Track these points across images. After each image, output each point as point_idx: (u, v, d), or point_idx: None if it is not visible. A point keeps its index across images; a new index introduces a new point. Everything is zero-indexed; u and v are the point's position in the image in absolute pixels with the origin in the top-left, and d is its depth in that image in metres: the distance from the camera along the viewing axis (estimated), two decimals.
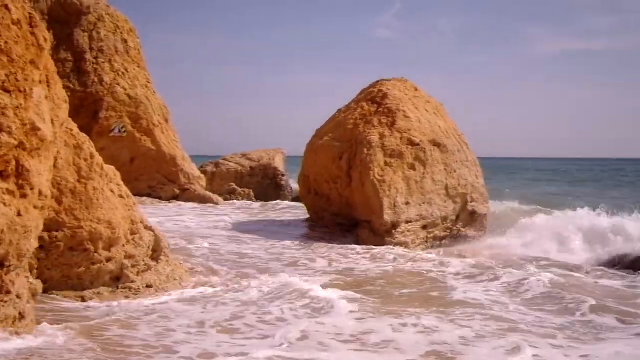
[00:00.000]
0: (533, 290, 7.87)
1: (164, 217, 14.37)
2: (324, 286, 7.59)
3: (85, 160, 6.62)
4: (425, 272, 9.04)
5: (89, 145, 6.73)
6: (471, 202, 13.13)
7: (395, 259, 10.13)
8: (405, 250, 11.07)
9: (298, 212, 16.51)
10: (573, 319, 6.57)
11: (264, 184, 23.32)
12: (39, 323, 5.11)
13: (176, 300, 6.62)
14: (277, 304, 6.68)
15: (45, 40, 4.98)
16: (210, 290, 7.23)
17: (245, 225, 13.94)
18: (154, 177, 19.16)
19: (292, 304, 6.70)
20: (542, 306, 7.15)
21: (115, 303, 6.29)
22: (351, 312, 6.48)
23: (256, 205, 19.91)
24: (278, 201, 21.08)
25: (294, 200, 20.92)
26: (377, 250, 10.77)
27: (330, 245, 11.33)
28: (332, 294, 7.16)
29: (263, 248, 10.78)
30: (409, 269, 9.33)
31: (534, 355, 5.19)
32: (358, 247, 11.08)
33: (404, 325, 6.03)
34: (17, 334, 4.72)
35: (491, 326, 6.12)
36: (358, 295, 7.26)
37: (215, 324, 5.82)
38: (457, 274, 8.98)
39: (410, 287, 8.06)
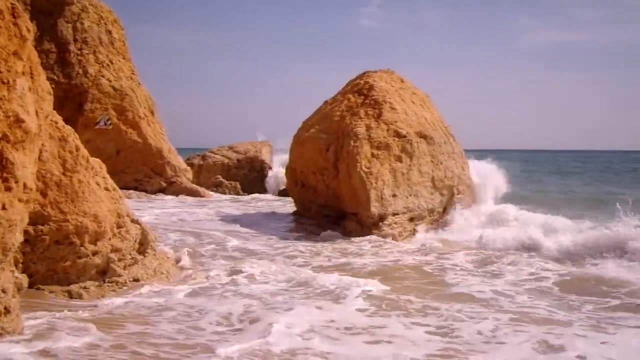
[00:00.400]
0: (535, 281, 7.92)
1: (159, 210, 14.41)
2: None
3: (71, 152, 6.55)
4: (425, 265, 8.98)
5: (74, 138, 6.66)
6: (458, 194, 13.19)
7: (390, 251, 10.13)
8: (401, 242, 11.07)
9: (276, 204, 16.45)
10: (584, 308, 6.60)
11: (250, 176, 23.30)
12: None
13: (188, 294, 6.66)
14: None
15: (28, 30, 4.90)
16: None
17: (238, 219, 13.93)
18: (140, 170, 19.05)
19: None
20: (547, 296, 7.17)
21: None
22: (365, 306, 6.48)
23: (246, 198, 19.97)
24: (258, 194, 21.27)
25: (280, 193, 20.93)
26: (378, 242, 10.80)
27: (319, 237, 11.35)
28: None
29: (267, 244, 10.66)
30: (413, 263, 9.17)
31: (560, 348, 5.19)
32: (355, 239, 11.10)
33: (415, 322, 5.96)
34: (2, 329, 4.68)
35: (503, 319, 6.06)
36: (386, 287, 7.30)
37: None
38: (455, 265, 8.92)
39: (414, 279, 8.05)
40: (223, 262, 8.61)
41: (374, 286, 7.27)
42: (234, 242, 10.47)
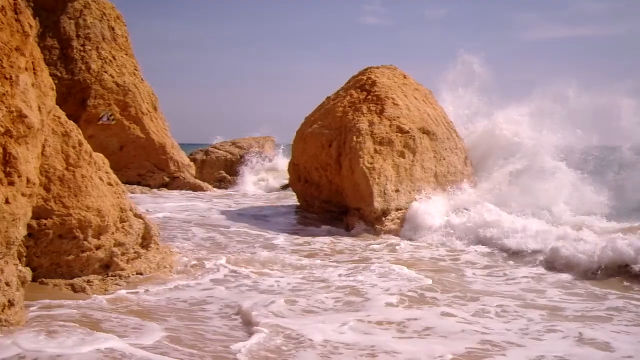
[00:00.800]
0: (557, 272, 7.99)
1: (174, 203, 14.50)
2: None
3: (74, 147, 6.59)
4: (441, 261, 9.04)
5: (77, 133, 6.69)
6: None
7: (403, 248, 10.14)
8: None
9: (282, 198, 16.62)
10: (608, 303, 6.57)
11: None
12: None
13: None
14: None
15: (31, 26, 4.94)
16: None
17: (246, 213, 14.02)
18: (144, 165, 19.10)
19: None
20: (572, 290, 7.18)
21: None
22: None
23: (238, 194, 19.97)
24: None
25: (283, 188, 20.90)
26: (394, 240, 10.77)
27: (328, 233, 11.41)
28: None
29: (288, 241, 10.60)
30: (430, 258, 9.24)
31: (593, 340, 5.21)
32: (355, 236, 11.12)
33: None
34: (6, 321, 4.72)
35: (532, 315, 6.02)
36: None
37: None
38: (473, 263, 8.92)
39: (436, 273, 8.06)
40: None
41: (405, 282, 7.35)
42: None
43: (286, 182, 18.11)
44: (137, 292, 6.38)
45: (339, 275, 7.69)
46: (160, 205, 14.46)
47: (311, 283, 7.22)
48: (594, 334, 5.39)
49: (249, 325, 5.43)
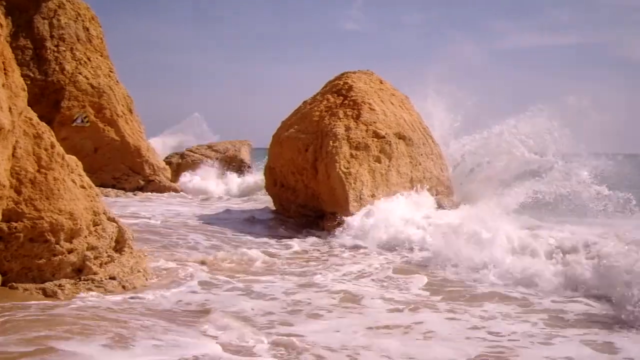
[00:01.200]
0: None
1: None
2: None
3: (46, 150, 6.48)
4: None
5: (49, 135, 6.59)
6: (436, 195, 13.27)
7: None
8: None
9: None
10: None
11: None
12: None
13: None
14: None
15: (1, 26, 4.86)
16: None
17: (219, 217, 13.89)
18: (119, 168, 18.92)
19: None
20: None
21: None
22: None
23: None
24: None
25: None
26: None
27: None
28: None
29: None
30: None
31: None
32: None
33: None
34: None
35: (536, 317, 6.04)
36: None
37: None
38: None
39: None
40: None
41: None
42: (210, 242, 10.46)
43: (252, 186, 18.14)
44: (105, 297, 6.28)
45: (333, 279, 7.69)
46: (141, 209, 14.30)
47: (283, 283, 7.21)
48: None
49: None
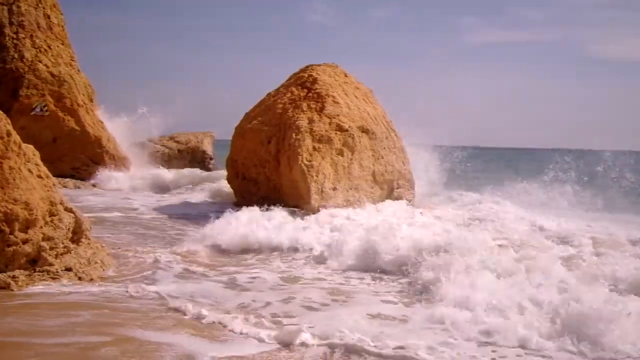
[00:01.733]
0: None
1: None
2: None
3: (1, 138, 6.37)
4: None
5: (5, 123, 6.47)
6: (397, 189, 13.43)
7: None
8: None
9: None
10: None
11: (191, 167, 23.01)
12: None
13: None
14: None
15: None
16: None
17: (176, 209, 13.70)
18: (78, 158, 18.57)
19: None
20: None
21: None
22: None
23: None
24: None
25: None
26: None
27: None
28: None
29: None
30: None
31: None
32: None
33: None
34: None
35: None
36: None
37: None
38: None
39: None
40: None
41: None
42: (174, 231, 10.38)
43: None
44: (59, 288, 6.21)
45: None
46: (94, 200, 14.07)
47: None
48: None
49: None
